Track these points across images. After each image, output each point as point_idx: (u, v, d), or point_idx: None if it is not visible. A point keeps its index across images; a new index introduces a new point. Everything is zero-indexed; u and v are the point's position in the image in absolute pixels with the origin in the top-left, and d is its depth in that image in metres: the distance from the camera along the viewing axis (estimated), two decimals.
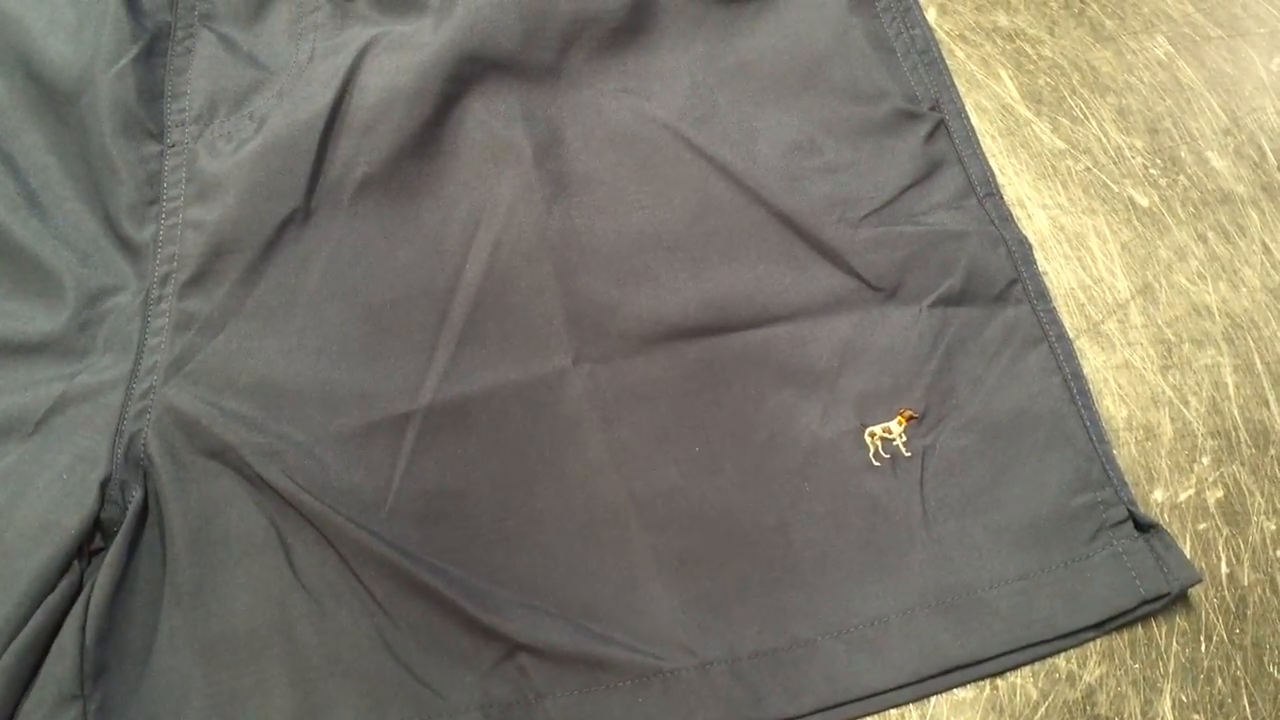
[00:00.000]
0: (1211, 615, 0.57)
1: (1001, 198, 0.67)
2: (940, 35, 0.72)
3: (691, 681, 0.54)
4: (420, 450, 0.59)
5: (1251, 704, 0.54)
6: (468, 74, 0.67)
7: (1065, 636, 0.56)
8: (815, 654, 0.55)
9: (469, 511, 0.58)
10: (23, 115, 0.64)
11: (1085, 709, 0.55)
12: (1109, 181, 0.68)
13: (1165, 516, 0.59)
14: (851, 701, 0.54)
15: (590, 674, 0.54)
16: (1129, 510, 0.58)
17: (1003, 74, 0.72)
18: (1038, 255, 0.65)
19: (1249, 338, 0.63)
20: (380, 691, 0.54)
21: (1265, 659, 0.55)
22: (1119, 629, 0.57)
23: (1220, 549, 0.58)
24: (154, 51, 0.66)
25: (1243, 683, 0.55)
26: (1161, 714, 0.54)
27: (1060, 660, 0.56)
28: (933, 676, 0.55)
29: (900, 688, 0.54)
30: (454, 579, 0.56)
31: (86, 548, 0.55)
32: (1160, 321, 0.64)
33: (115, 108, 0.64)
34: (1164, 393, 0.62)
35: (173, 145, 0.65)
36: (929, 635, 0.55)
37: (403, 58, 0.65)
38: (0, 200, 0.61)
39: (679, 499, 0.58)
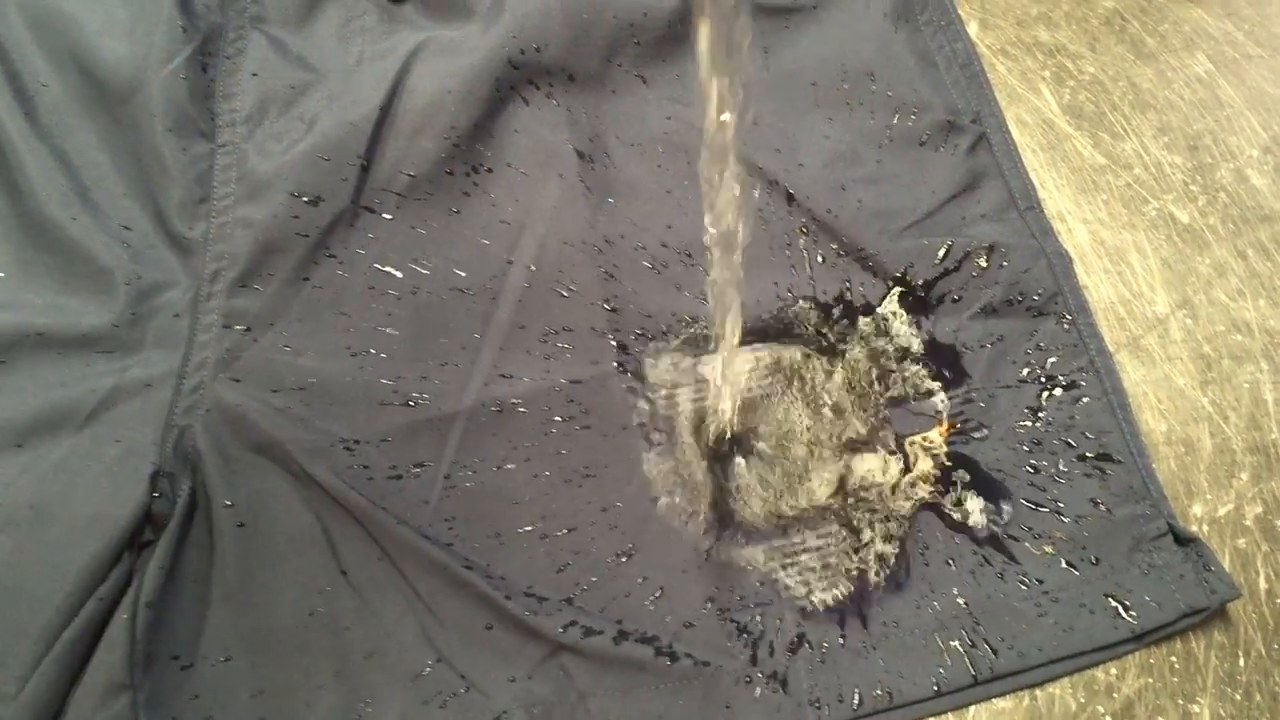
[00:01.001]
0: (1250, 630, 0.57)
1: (1042, 211, 0.67)
2: (981, 49, 0.73)
3: (737, 680, 0.54)
4: (465, 450, 0.59)
5: None
6: (514, 79, 0.67)
7: (1104, 649, 0.56)
8: (857, 660, 0.55)
9: (512, 511, 0.58)
10: (76, 113, 0.65)
11: None
12: (1149, 197, 0.69)
13: (1204, 531, 0.59)
14: (893, 709, 0.54)
15: (632, 676, 0.54)
16: (1169, 524, 0.58)
17: (1043, 89, 0.72)
18: (1078, 269, 0.65)
19: None
20: (424, 687, 0.54)
21: None
22: (1158, 642, 0.57)
23: (1259, 564, 0.58)
24: (206, 52, 0.67)
25: None
26: None
27: (1099, 672, 0.56)
28: (973, 685, 0.55)
29: (940, 695, 0.54)
30: (497, 578, 0.56)
31: (137, 540, 0.56)
32: (1200, 337, 0.64)
33: (168, 107, 0.65)
34: (1203, 408, 0.62)
35: (223, 145, 0.65)
36: (970, 644, 0.55)
37: (450, 62, 0.66)
38: (54, 196, 0.62)
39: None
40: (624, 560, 0.57)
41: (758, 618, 0.56)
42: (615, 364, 0.62)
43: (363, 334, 0.62)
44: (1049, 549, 0.58)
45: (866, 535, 0.58)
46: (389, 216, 0.65)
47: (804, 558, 0.58)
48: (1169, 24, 0.75)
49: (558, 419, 0.60)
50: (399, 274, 0.64)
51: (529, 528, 0.58)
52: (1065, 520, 0.59)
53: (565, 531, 0.58)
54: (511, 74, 0.67)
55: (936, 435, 0.61)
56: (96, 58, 0.65)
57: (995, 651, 0.55)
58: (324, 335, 0.62)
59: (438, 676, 0.54)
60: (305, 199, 0.64)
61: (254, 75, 0.67)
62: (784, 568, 0.58)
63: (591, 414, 0.61)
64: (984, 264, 0.64)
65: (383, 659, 0.55)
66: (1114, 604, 0.56)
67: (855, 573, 0.58)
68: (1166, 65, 0.73)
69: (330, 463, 0.58)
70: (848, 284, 0.65)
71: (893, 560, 0.58)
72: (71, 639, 0.52)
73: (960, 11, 0.74)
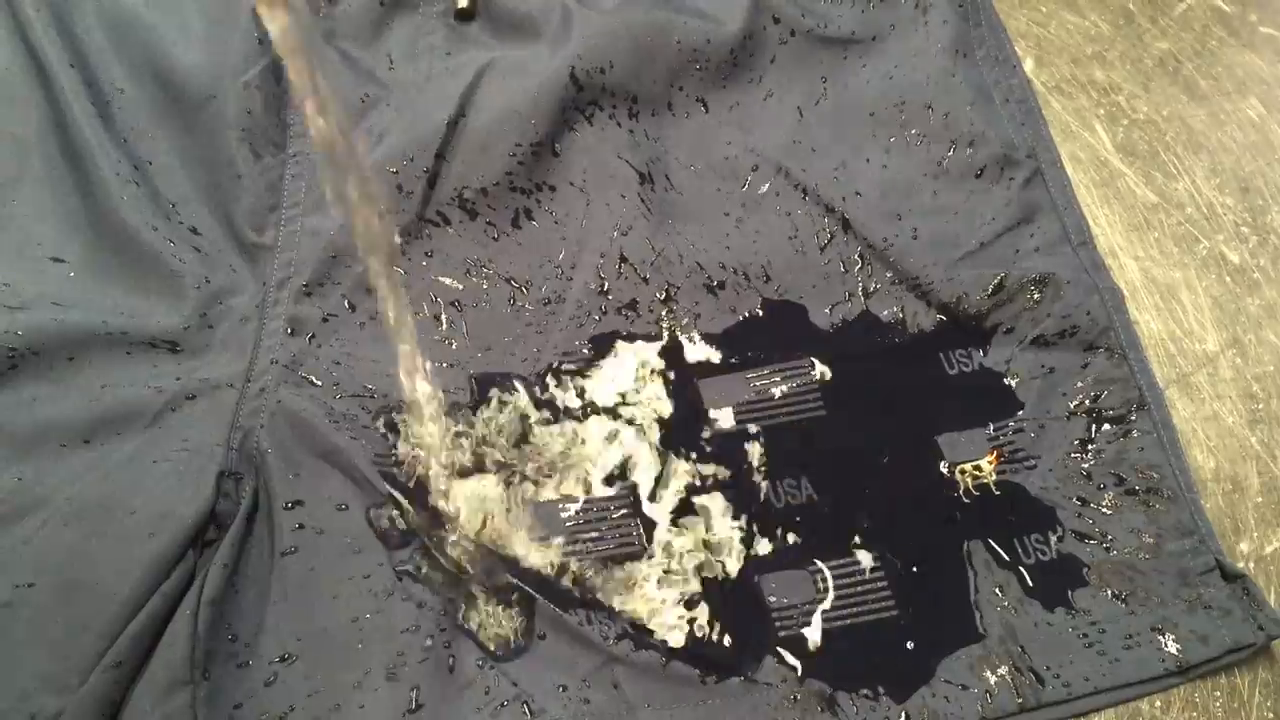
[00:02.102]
0: None
1: (1095, 247, 0.68)
2: (1037, 86, 0.74)
3: (784, 699, 0.55)
4: (522, 463, 0.60)
5: None
6: (579, 100, 0.69)
7: (1150, 681, 0.57)
8: (905, 688, 0.56)
9: None
10: (151, 119, 0.67)
11: None
12: (1200, 236, 0.69)
13: (1250, 569, 0.60)
14: None
15: (681, 690, 0.55)
16: (1217, 560, 0.59)
17: (1097, 126, 0.73)
18: (1129, 305, 0.66)
19: None
20: (476, 694, 0.55)
21: None
22: (1203, 677, 0.57)
23: None
24: (280, 64, 0.68)
25: None
26: None
27: (1144, 704, 0.57)
28: (1018, 713, 0.55)
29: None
30: (553, 587, 0.57)
31: (200, 538, 0.57)
32: (1249, 376, 0.65)
33: (241, 116, 0.66)
34: (1251, 446, 0.63)
35: (294, 155, 0.67)
36: (1016, 671, 0.56)
37: (518, 82, 0.68)
38: (127, 200, 0.63)
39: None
40: None
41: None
42: (668, 384, 0.63)
43: (423, 344, 0.63)
44: (1096, 581, 0.58)
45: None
46: (453, 230, 0.67)
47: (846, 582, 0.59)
48: (1222, 67, 0.76)
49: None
50: (460, 286, 0.65)
51: None
52: (1113, 553, 0.59)
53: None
54: (576, 95, 0.68)
55: (987, 464, 0.61)
56: (173, 66, 0.66)
57: (1041, 681, 0.56)
58: (385, 344, 0.63)
59: (490, 683, 0.55)
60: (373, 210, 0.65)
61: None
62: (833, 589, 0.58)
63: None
64: (1037, 296, 0.65)
65: (437, 664, 0.55)
66: (1160, 638, 0.57)
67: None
68: (1219, 108, 0.74)
69: (390, 471, 0.59)
70: (900, 312, 0.66)
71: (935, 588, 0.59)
72: (134, 634, 0.53)
73: (1016, 48, 0.74)
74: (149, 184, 0.65)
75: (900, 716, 0.55)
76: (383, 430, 0.61)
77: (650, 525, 0.60)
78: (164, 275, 0.63)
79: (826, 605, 0.58)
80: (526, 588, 0.56)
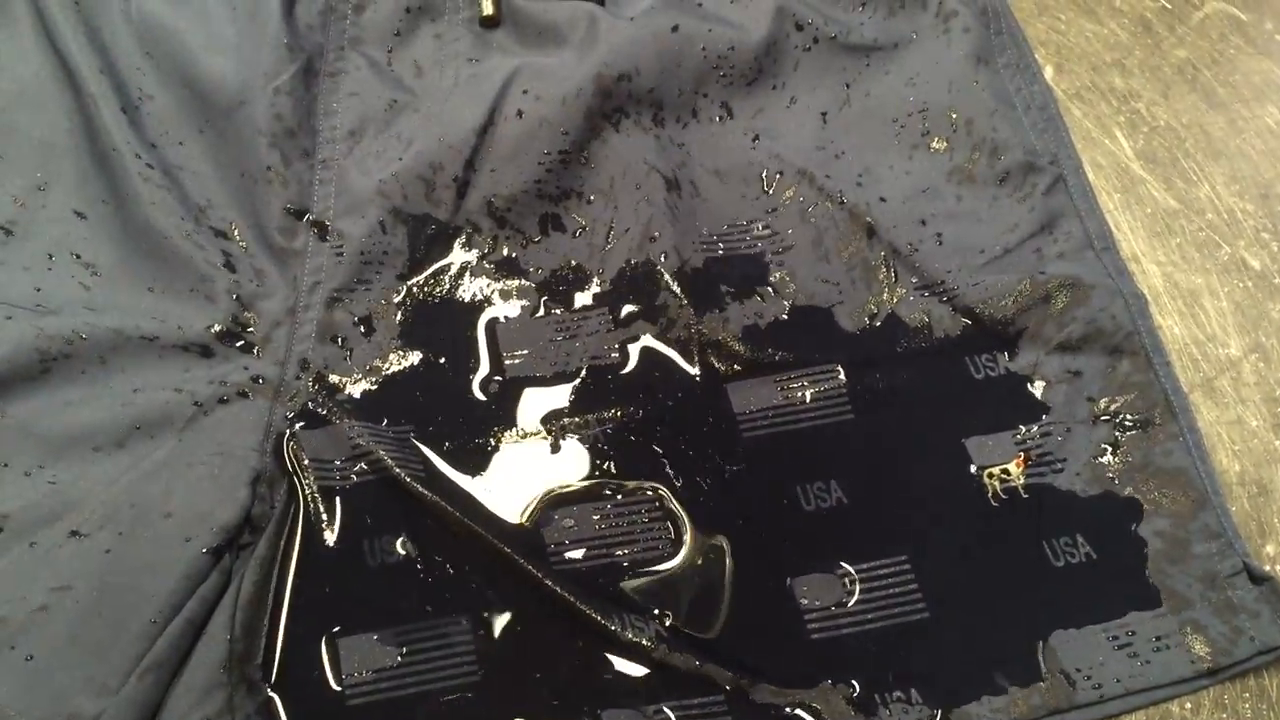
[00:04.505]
0: None
1: (1117, 252, 0.68)
2: (1057, 93, 0.74)
3: (828, 710, 0.55)
4: (554, 466, 0.61)
5: None
6: (606, 107, 0.69)
7: (1179, 683, 0.57)
8: (935, 689, 0.56)
9: None
10: (181, 125, 0.67)
11: None
12: (1222, 243, 0.70)
13: (1278, 571, 0.60)
14: None
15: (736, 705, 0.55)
16: (1244, 562, 0.59)
17: (1118, 134, 0.74)
18: (1152, 310, 0.66)
19: None
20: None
21: None
22: (1232, 678, 0.58)
23: None
24: (309, 70, 0.69)
25: None
26: None
27: (1174, 706, 0.57)
28: (1049, 715, 0.56)
29: None
30: (588, 594, 0.57)
31: (236, 542, 0.57)
32: (1272, 380, 0.66)
33: (271, 123, 0.66)
34: (1276, 450, 0.63)
35: (323, 161, 0.67)
36: (1047, 675, 0.56)
37: (546, 89, 0.68)
38: (159, 206, 0.63)
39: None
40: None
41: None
42: (700, 379, 0.63)
43: (454, 349, 0.64)
44: (1125, 582, 0.59)
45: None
46: (482, 237, 0.67)
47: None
48: (1240, 75, 0.76)
49: (644, 438, 0.62)
50: (490, 293, 0.65)
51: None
52: (1141, 555, 0.59)
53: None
54: (604, 102, 0.69)
55: (1014, 467, 0.62)
56: (202, 72, 0.67)
57: (1072, 683, 0.56)
58: (418, 351, 0.63)
59: (531, 692, 0.56)
60: (403, 216, 0.65)
61: (353, 94, 0.69)
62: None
63: (682, 433, 0.62)
64: (1062, 302, 0.65)
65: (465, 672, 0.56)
66: (1189, 640, 0.57)
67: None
68: (1238, 115, 0.75)
69: (423, 477, 0.60)
70: (926, 317, 0.66)
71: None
72: (172, 637, 0.53)
73: (1037, 56, 0.75)
74: (179, 189, 0.65)
75: (930, 715, 0.55)
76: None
77: (680, 528, 0.60)
78: (195, 279, 0.63)
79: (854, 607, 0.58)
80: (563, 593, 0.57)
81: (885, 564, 0.59)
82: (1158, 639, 0.57)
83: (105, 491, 0.57)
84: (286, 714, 0.54)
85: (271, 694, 0.54)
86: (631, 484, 0.60)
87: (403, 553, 0.58)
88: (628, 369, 0.64)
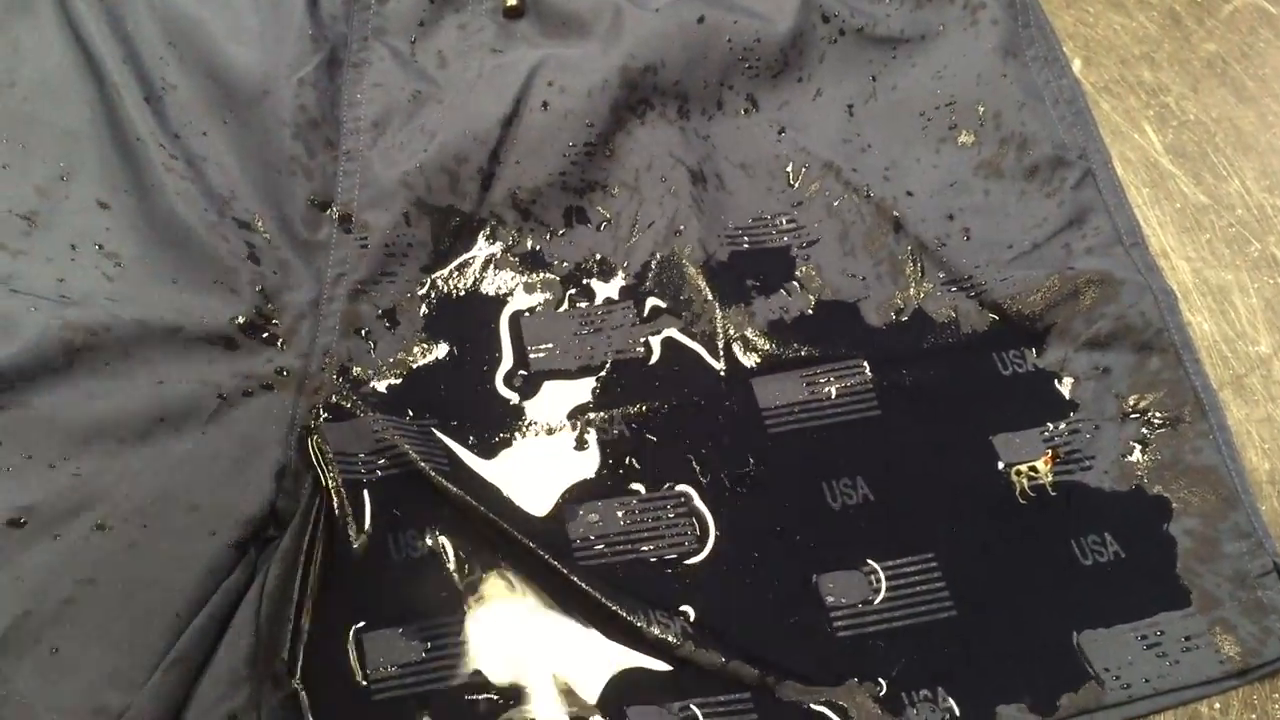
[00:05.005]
0: None
1: (1147, 248, 0.68)
2: (1085, 87, 0.74)
3: (854, 708, 0.55)
4: (579, 462, 0.61)
5: None
6: (631, 100, 0.69)
7: (1208, 683, 0.57)
8: (963, 688, 0.56)
9: None
10: (205, 115, 0.66)
11: None
12: (1251, 238, 0.69)
13: None
14: None
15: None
16: (1274, 561, 0.58)
17: (1147, 128, 0.73)
18: (1181, 306, 0.66)
19: None
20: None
21: None
22: (1261, 679, 0.57)
23: None
24: (333, 61, 0.68)
25: None
26: None
27: (1203, 707, 0.57)
28: (1077, 715, 0.55)
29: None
30: (613, 589, 0.57)
31: (261, 535, 0.57)
32: None
33: (295, 113, 0.66)
34: None
35: (347, 152, 0.67)
36: (1075, 675, 0.56)
37: (571, 81, 0.67)
38: (182, 197, 0.63)
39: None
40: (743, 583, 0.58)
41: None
42: (723, 382, 0.63)
43: (478, 343, 0.63)
44: (1154, 581, 0.58)
45: None
46: (506, 229, 0.67)
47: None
48: (1270, 68, 0.75)
49: (669, 433, 0.62)
50: (514, 285, 0.65)
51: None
52: (1171, 554, 0.59)
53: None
54: (629, 94, 0.68)
55: (1042, 464, 0.61)
56: (226, 62, 0.66)
57: (1101, 683, 0.56)
58: (443, 344, 0.63)
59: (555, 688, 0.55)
60: (427, 208, 0.65)
61: (377, 85, 0.68)
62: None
63: (704, 432, 0.62)
64: (1091, 297, 0.64)
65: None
66: (1218, 640, 0.57)
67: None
68: (1268, 109, 0.74)
69: (448, 472, 0.59)
70: (953, 312, 0.65)
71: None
72: (197, 631, 0.53)
73: (1065, 49, 0.74)
74: (203, 180, 0.64)
75: (958, 714, 0.55)
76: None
77: (705, 524, 0.60)
78: (219, 271, 0.63)
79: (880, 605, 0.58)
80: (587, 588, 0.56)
81: (912, 561, 0.59)
82: (1187, 639, 0.57)
83: (129, 484, 0.56)
84: (312, 708, 0.54)
85: (296, 688, 0.54)
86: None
87: (428, 547, 0.58)
88: (652, 363, 0.64)
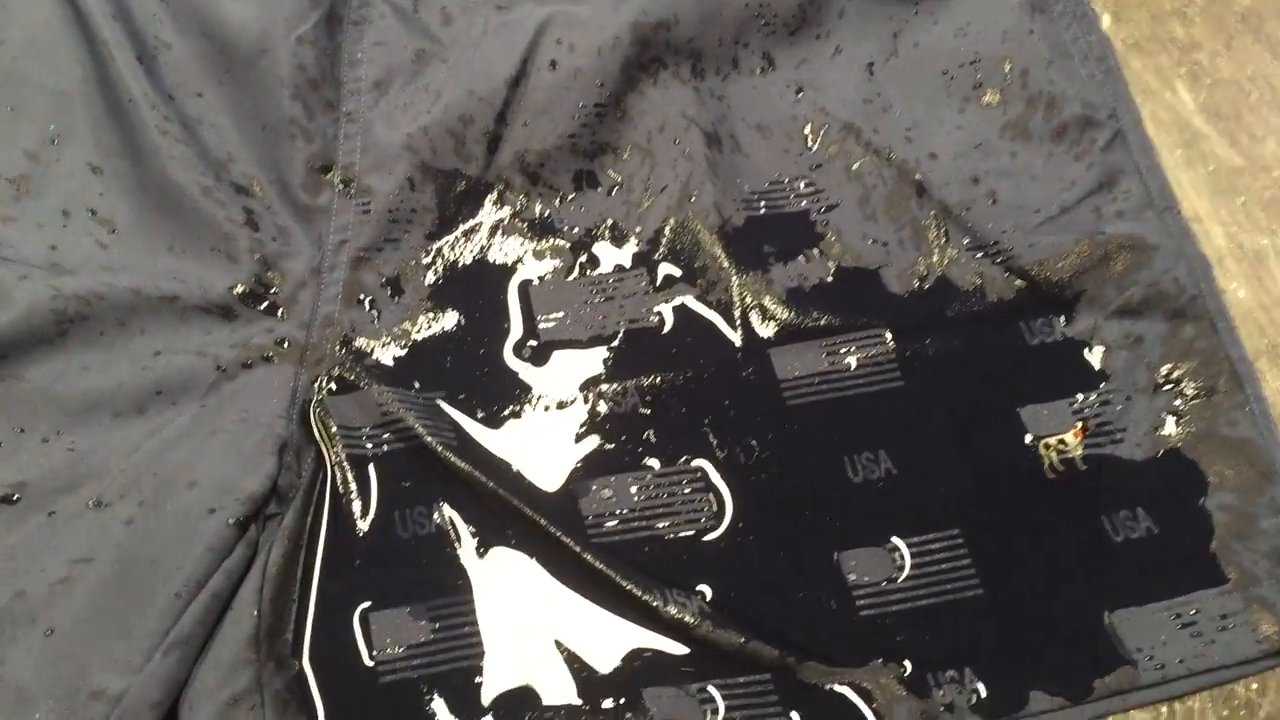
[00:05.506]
0: None
1: (1179, 212, 0.65)
2: (1115, 44, 0.71)
3: (878, 689, 0.53)
4: (591, 435, 0.59)
5: None
6: (643, 58, 0.66)
7: (1245, 663, 0.55)
8: (991, 670, 0.54)
9: None
10: (199, 75, 0.64)
11: None
12: None
13: None
14: (1033, 715, 0.53)
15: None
16: None
17: (1179, 86, 0.70)
18: (1215, 273, 0.63)
19: None
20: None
21: None
22: None
23: None
24: (332, 18, 0.66)
25: None
26: None
27: (1239, 687, 0.55)
28: (1109, 696, 0.54)
29: (1085, 702, 0.53)
30: (628, 568, 0.55)
31: (262, 512, 0.55)
32: None
33: (294, 73, 0.64)
34: None
35: (348, 114, 0.64)
36: (1107, 656, 0.54)
37: (580, 39, 0.65)
38: (177, 160, 0.61)
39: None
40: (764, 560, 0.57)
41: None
42: (740, 352, 0.61)
43: (485, 312, 0.61)
44: (1188, 558, 0.56)
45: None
46: (513, 194, 0.64)
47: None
48: None
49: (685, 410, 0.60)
50: (522, 253, 0.63)
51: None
52: (1206, 530, 0.57)
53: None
54: (641, 53, 0.66)
55: (1071, 438, 0.59)
56: (221, 20, 0.64)
57: (1134, 664, 0.54)
58: (449, 312, 0.61)
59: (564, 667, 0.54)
60: (431, 172, 0.63)
61: (379, 44, 0.66)
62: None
63: (720, 404, 0.60)
64: (1122, 263, 0.62)
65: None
66: (1256, 618, 0.55)
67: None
68: None
69: (454, 445, 0.57)
70: (979, 279, 0.63)
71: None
72: (198, 612, 0.52)
73: (1094, 4, 0.71)
74: (198, 143, 0.62)
75: (986, 695, 0.53)
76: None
77: (722, 499, 0.58)
78: (216, 237, 0.60)
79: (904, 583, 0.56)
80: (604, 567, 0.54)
81: (937, 538, 0.57)
82: (1223, 618, 0.55)
83: (126, 460, 0.55)
84: (319, 691, 0.52)
85: (303, 669, 0.52)
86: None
87: (436, 524, 0.56)
88: (666, 333, 0.62)
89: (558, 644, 0.54)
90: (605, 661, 0.54)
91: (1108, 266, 0.62)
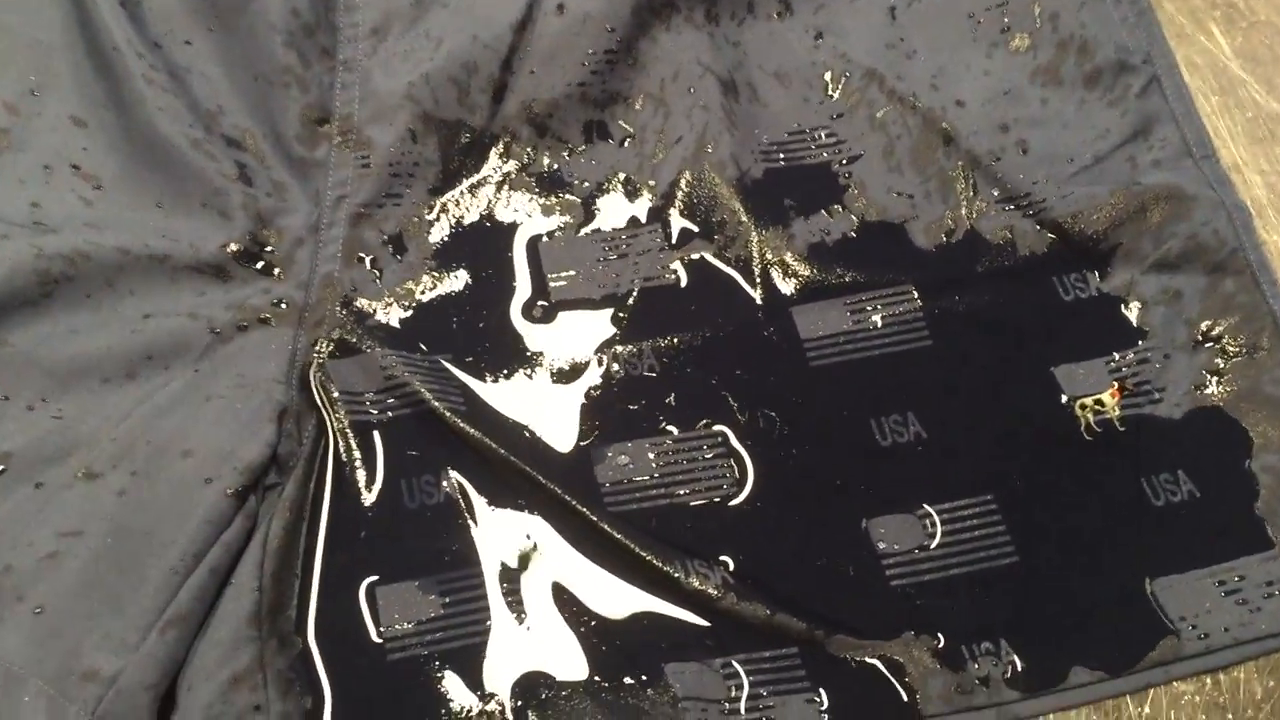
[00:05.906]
0: None
1: (1218, 160, 0.63)
2: None
3: (910, 663, 0.51)
4: (605, 399, 0.56)
5: None
6: (656, 2, 0.64)
7: None
8: (1028, 641, 0.52)
9: None
10: (188, 21, 0.61)
11: None
12: None
13: None
14: (1066, 689, 0.51)
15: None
16: None
17: (1214, 29, 0.68)
18: (1256, 224, 0.61)
19: None
20: None
21: None
22: None
23: None
24: None
25: None
26: None
27: None
28: (1153, 667, 0.52)
29: (1127, 674, 0.51)
30: (647, 537, 0.52)
31: (262, 482, 0.52)
32: None
33: (287, 19, 0.61)
34: None
35: (345, 62, 0.61)
36: (1149, 625, 0.52)
37: None
38: (165, 112, 0.58)
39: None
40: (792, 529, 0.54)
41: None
42: (761, 313, 0.58)
43: (493, 271, 0.59)
44: (1232, 522, 0.54)
45: None
46: (520, 146, 0.62)
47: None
48: None
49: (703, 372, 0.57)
50: (531, 208, 0.60)
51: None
52: (1250, 492, 0.54)
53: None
54: None
55: (1109, 398, 0.57)
56: None
57: (1177, 632, 0.52)
58: (454, 269, 0.58)
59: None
60: (434, 123, 0.60)
61: None
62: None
63: (741, 366, 0.57)
64: (1160, 215, 0.59)
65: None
66: None
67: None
68: None
69: (458, 409, 0.55)
70: (1009, 233, 0.60)
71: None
72: (195, 588, 0.49)
73: None
74: (187, 93, 0.59)
75: (1022, 668, 0.51)
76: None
77: (744, 465, 0.55)
78: (207, 193, 0.58)
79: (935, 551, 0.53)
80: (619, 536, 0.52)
81: (969, 504, 0.55)
82: (1269, 584, 0.53)
83: (116, 428, 0.52)
84: (325, 669, 0.49)
85: (307, 646, 0.50)
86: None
87: (444, 493, 0.53)
88: (683, 291, 0.59)
89: (574, 617, 0.51)
90: (624, 636, 0.51)
91: (1144, 218, 0.60)
